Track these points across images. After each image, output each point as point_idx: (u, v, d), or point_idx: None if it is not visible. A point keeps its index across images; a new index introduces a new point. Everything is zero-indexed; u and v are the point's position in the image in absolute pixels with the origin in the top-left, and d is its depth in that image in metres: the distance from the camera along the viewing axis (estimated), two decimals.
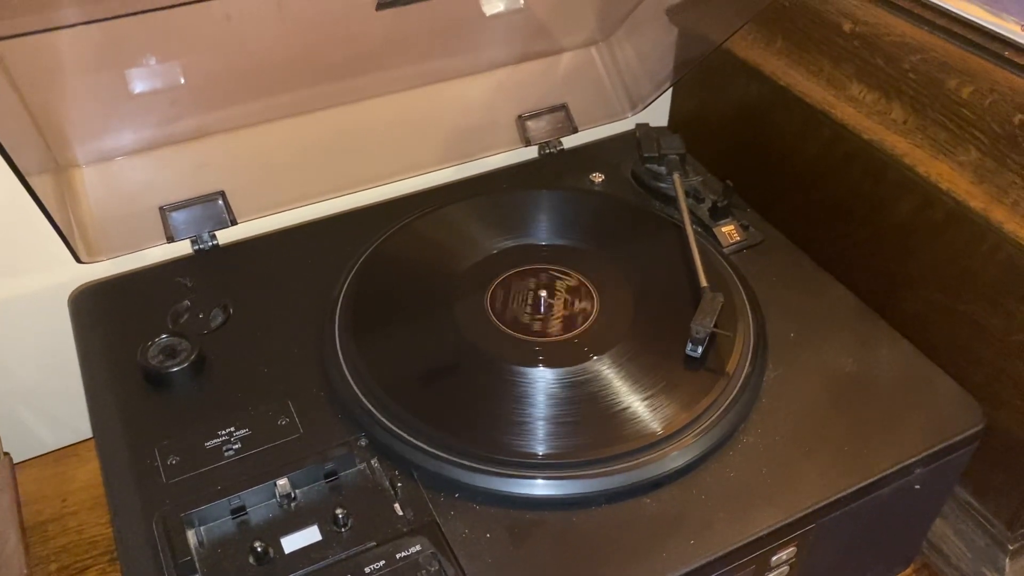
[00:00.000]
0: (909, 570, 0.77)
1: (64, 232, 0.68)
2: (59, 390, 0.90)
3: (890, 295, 0.78)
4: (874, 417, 0.64)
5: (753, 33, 0.88)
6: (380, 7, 0.67)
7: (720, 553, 0.56)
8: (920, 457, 0.62)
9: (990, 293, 0.69)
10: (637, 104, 0.93)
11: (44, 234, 0.77)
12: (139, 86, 0.71)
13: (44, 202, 0.62)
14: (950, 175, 0.70)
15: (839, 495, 0.59)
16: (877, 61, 0.75)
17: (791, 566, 0.62)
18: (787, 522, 0.58)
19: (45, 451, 0.88)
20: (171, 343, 0.67)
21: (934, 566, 0.77)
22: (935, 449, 0.62)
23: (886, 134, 0.75)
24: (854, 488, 0.60)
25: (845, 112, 0.78)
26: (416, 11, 0.73)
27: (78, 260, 0.71)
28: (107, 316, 0.72)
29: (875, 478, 0.60)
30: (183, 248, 0.77)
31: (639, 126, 0.86)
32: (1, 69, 0.59)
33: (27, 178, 0.57)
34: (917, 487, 0.64)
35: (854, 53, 0.77)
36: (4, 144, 0.51)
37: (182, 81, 0.72)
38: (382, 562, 0.53)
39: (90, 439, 0.84)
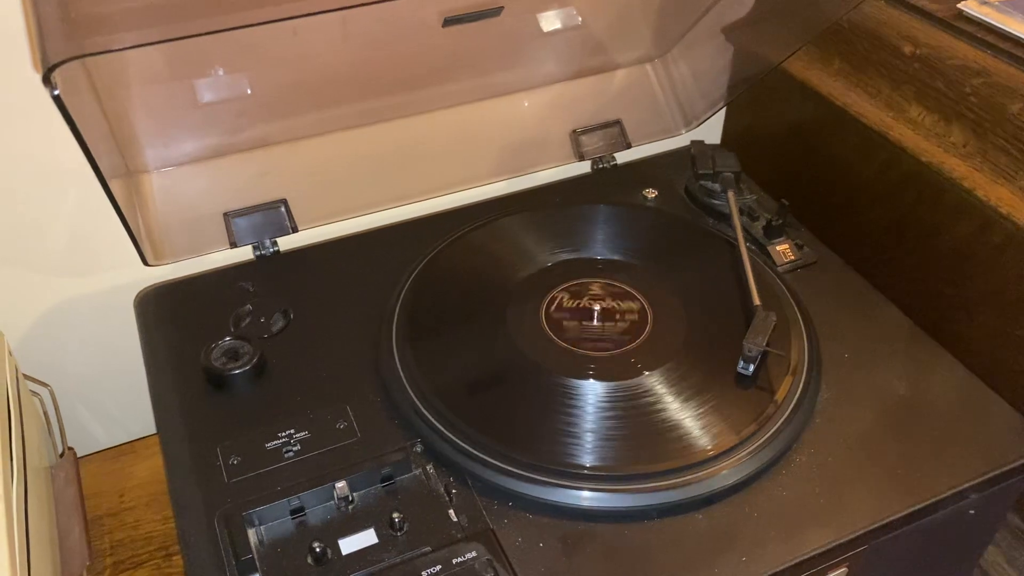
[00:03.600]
0: None
1: (134, 235, 0.70)
2: (118, 389, 0.93)
3: (945, 318, 0.77)
4: (928, 441, 0.64)
5: (810, 53, 0.88)
6: (447, 24, 0.68)
7: (771, 571, 0.56)
8: (975, 483, 0.61)
9: None
10: (691, 121, 0.94)
11: (110, 236, 0.80)
12: (207, 96, 0.73)
13: (120, 206, 0.64)
14: (1011, 200, 0.70)
15: (892, 518, 0.59)
16: (937, 84, 0.75)
17: None
18: (839, 543, 0.58)
19: (100, 448, 0.90)
20: (234, 346, 0.69)
21: None
22: (990, 475, 0.62)
23: (945, 157, 0.75)
24: (907, 511, 0.60)
25: (903, 134, 0.78)
26: (477, 27, 0.74)
27: (145, 263, 0.73)
28: (171, 318, 0.74)
29: (928, 502, 0.60)
30: (245, 253, 0.79)
31: (694, 143, 0.87)
32: (87, 81, 0.61)
33: (108, 183, 0.59)
34: (971, 512, 0.63)
35: (914, 75, 0.77)
36: (92, 151, 0.53)
37: (249, 92, 0.74)
38: (438, 567, 0.54)
39: (147, 437, 0.87)
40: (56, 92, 0.45)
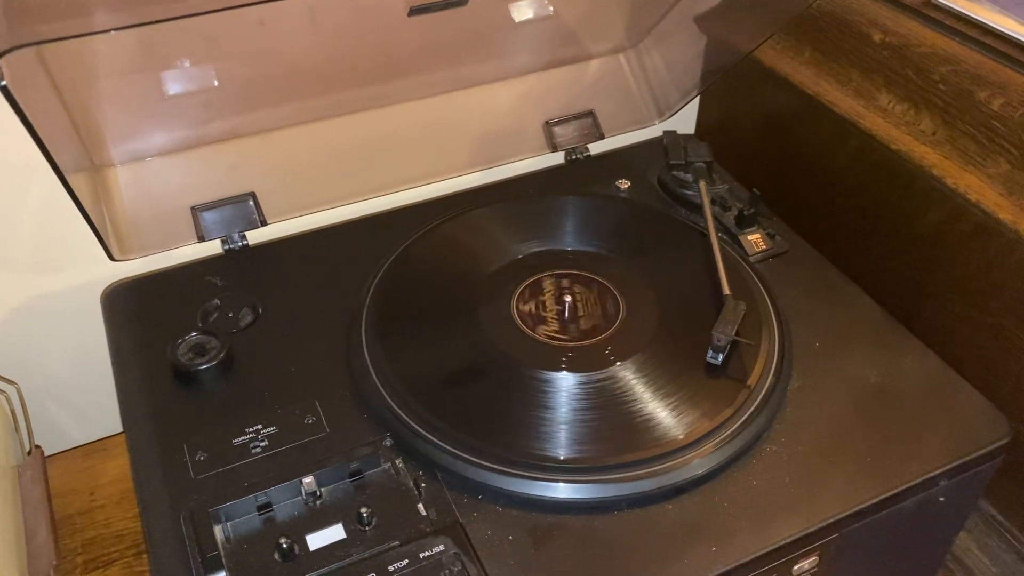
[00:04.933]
0: None
1: (99, 230, 0.69)
2: (88, 386, 0.91)
3: (916, 306, 0.78)
4: (899, 429, 0.64)
5: (781, 42, 0.88)
6: (412, 13, 0.68)
7: (742, 561, 0.56)
8: (945, 469, 0.62)
9: (1018, 306, 0.68)
10: (664, 112, 0.94)
11: (76, 232, 0.79)
12: (173, 88, 0.72)
13: (81, 201, 0.63)
14: (979, 187, 0.70)
15: (862, 505, 0.59)
16: (907, 72, 0.75)
17: None
18: (809, 531, 0.58)
19: (73, 446, 0.89)
20: (201, 341, 0.68)
21: None
22: (960, 462, 0.62)
23: (915, 145, 0.75)
24: (877, 499, 0.60)
25: (874, 122, 0.78)
26: (446, 17, 0.73)
27: (111, 258, 0.72)
28: (138, 313, 0.73)
29: (899, 489, 0.60)
30: (213, 248, 0.78)
31: (667, 133, 0.86)
32: (44, 71, 0.60)
33: (66, 177, 0.58)
34: (941, 499, 0.63)
35: (884, 63, 0.77)
36: (47, 144, 0.52)
37: (215, 84, 0.73)
38: (405, 561, 0.53)
39: (118, 434, 0.86)
40: (3, 83, 0.44)
